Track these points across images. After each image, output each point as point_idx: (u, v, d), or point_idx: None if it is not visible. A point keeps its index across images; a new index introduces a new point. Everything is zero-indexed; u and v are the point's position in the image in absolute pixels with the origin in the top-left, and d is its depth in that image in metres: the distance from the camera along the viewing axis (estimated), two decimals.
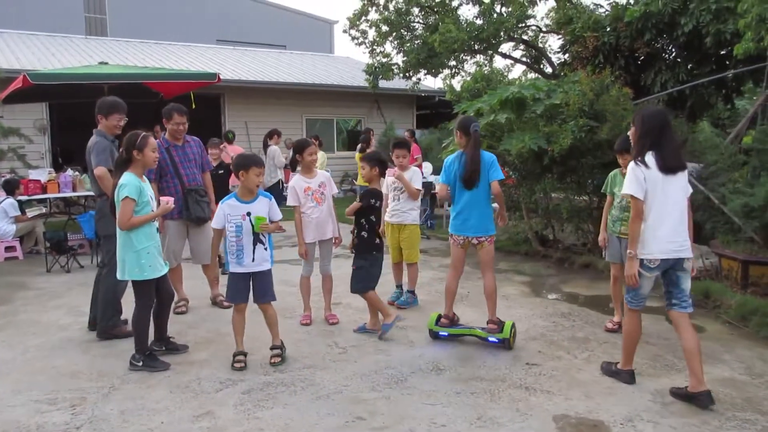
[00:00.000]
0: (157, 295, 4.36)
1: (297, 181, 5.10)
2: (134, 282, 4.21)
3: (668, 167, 3.61)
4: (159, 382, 3.99)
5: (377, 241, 4.91)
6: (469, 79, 16.44)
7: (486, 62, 15.35)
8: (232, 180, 6.89)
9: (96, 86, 8.84)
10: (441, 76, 14.18)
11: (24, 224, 8.42)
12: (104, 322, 4.85)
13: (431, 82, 17.57)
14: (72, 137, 11.29)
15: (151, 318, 4.35)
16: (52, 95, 10.36)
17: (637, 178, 3.61)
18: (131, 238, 4.12)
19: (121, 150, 4.26)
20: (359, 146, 10.85)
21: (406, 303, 5.75)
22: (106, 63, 10.70)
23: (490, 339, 4.60)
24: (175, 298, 5.63)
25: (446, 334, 4.77)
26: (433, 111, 19.39)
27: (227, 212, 4.17)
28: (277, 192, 11.55)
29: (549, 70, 13.99)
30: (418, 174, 5.85)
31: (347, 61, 21.69)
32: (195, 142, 5.78)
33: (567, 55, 9.85)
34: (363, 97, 16.95)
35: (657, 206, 3.62)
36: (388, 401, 3.67)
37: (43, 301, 6.11)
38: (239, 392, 3.81)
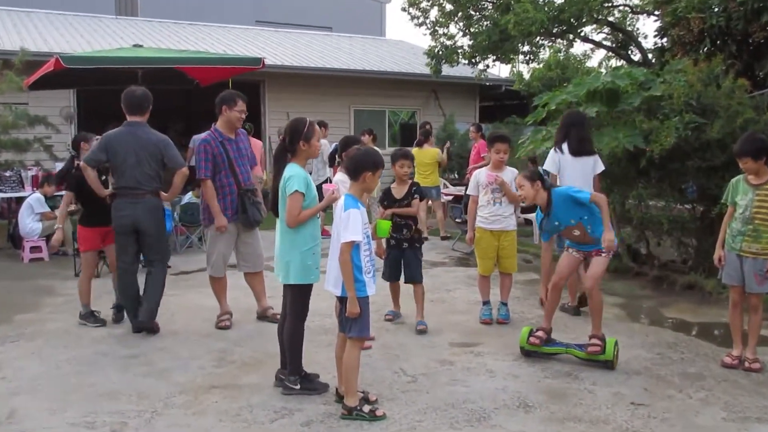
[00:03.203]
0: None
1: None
2: (294, 287, 4.10)
3: (574, 151, 5.61)
4: (206, 408, 3.96)
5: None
6: (541, 66, 16.13)
7: (564, 47, 14.99)
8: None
9: (129, 72, 9.00)
10: (514, 62, 13.86)
11: (50, 222, 8.59)
12: (152, 316, 5.35)
13: (496, 71, 17.28)
14: (99, 128, 11.50)
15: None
16: (80, 81, 10.61)
17: (553, 159, 5.75)
18: (297, 238, 4.05)
19: (282, 138, 4.18)
20: (417, 140, 10.75)
21: (507, 316, 5.83)
22: (141, 45, 10.90)
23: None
24: (218, 312, 5.68)
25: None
26: (497, 103, 19.05)
27: (365, 221, 3.80)
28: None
29: (637, 56, 13.57)
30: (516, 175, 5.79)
31: (401, 45, 21.64)
32: (243, 134, 5.75)
33: (665, 39, 9.49)
34: (419, 86, 16.83)
35: (568, 179, 5.52)
36: None
37: (72, 309, 6.18)
38: (298, 424, 3.74)
